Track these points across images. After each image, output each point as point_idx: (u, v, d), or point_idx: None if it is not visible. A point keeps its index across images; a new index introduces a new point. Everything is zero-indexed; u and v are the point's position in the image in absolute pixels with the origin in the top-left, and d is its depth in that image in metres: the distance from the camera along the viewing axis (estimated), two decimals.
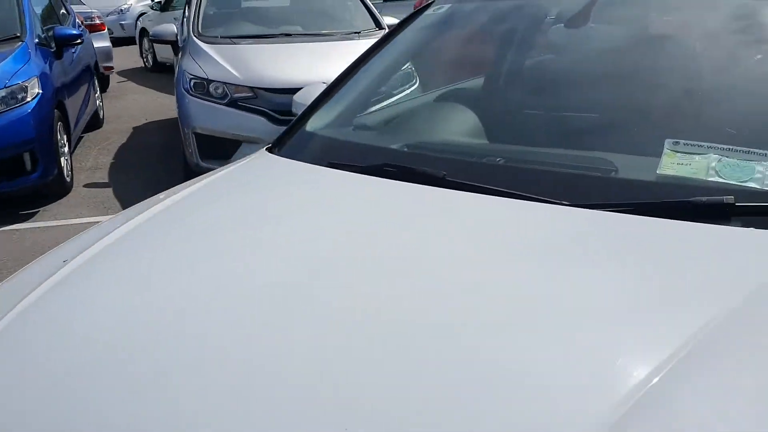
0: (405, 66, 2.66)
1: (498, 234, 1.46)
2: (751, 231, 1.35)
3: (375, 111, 2.36)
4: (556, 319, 1.15)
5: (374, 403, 1.01)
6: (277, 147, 2.09)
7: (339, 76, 2.34)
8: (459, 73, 2.57)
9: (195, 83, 4.83)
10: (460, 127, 2.10)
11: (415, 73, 2.84)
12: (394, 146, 1.98)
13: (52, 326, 1.32)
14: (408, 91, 2.65)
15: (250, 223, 1.65)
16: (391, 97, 2.50)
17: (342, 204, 1.71)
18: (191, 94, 4.83)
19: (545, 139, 1.89)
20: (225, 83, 4.72)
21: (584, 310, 1.17)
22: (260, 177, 1.98)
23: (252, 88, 4.68)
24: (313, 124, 2.15)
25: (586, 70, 2.07)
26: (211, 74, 4.79)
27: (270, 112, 4.56)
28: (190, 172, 4.47)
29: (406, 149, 1.94)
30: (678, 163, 1.52)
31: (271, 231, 1.59)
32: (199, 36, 5.37)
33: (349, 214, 1.64)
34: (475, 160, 1.82)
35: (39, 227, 4.56)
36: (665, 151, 1.55)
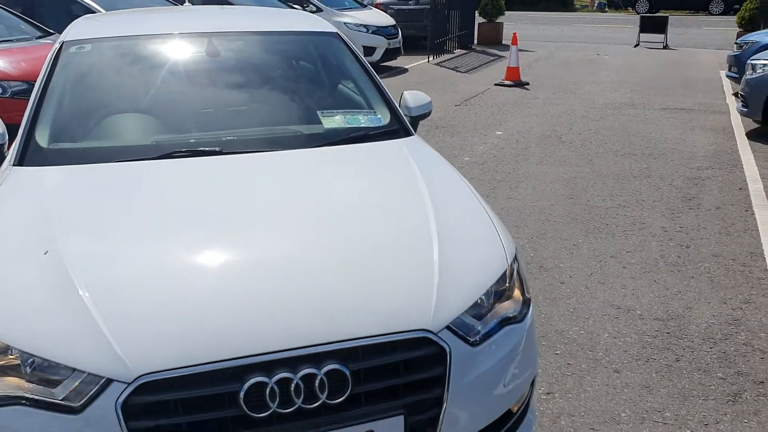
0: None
1: (277, 167, 2.64)
2: (366, 144, 2.91)
3: (97, 122, 2.91)
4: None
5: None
6: (23, 160, 2.62)
7: (34, 100, 2.88)
8: (133, 88, 3.08)
9: None
10: (171, 124, 2.95)
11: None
12: (148, 142, 2.79)
13: None
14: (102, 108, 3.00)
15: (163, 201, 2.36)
16: (93, 111, 2.97)
17: (183, 174, 2.54)
18: None
19: (244, 123, 3.02)
20: None
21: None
22: (79, 176, 2.53)
23: None
24: (48, 137, 2.73)
25: (240, 81, 3.18)
26: None
27: None
28: None
29: (154, 142, 2.79)
30: (331, 121, 3.02)
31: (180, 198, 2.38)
32: None
33: (197, 177, 2.52)
34: (224, 138, 2.83)
35: None
36: (321, 117, 3.04)
